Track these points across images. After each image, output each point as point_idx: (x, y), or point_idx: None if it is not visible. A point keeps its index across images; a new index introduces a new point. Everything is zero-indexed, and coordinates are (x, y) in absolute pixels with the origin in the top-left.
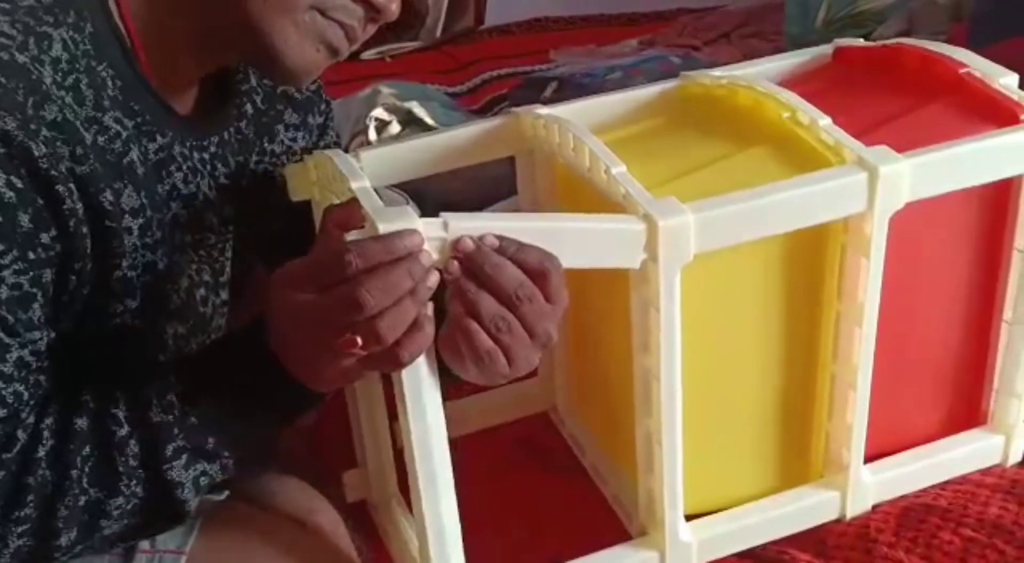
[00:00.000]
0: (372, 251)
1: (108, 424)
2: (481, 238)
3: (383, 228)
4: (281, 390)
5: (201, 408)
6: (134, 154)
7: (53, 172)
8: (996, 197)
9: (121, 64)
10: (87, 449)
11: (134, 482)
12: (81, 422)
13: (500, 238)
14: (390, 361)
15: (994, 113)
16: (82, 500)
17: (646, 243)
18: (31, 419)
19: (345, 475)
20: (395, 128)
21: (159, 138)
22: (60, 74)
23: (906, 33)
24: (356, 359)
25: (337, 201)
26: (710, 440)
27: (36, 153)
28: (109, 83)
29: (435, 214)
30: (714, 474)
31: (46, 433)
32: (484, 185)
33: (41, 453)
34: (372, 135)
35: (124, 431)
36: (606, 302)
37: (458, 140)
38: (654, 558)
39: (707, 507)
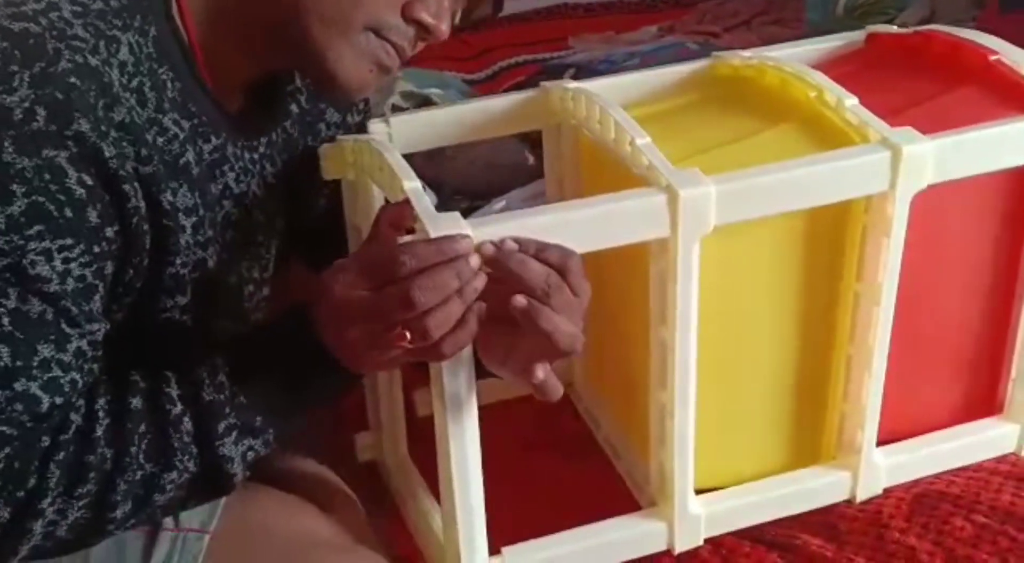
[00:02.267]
0: (424, 253)
1: (162, 402)
2: (501, 242)
3: (434, 233)
4: (325, 372)
5: (250, 388)
6: (190, 155)
7: (121, 172)
8: (1018, 182)
9: (181, 67)
10: (143, 427)
11: (187, 457)
12: (136, 401)
13: (518, 240)
14: (434, 354)
15: (1022, 99)
16: (138, 475)
17: (667, 213)
18: (81, 401)
19: (357, 437)
20: None
21: (213, 139)
22: (126, 77)
23: (928, 20)
24: (402, 351)
25: (377, 190)
26: (723, 415)
27: (106, 153)
28: (169, 85)
29: (452, 199)
30: (726, 450)
31: (101, 413)
32: (500, 173)
33: (99, 432)
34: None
35: (178, 409)
36: (623, 275)
37: (488, 111)
38: (662, 529)
39: (718, 483)
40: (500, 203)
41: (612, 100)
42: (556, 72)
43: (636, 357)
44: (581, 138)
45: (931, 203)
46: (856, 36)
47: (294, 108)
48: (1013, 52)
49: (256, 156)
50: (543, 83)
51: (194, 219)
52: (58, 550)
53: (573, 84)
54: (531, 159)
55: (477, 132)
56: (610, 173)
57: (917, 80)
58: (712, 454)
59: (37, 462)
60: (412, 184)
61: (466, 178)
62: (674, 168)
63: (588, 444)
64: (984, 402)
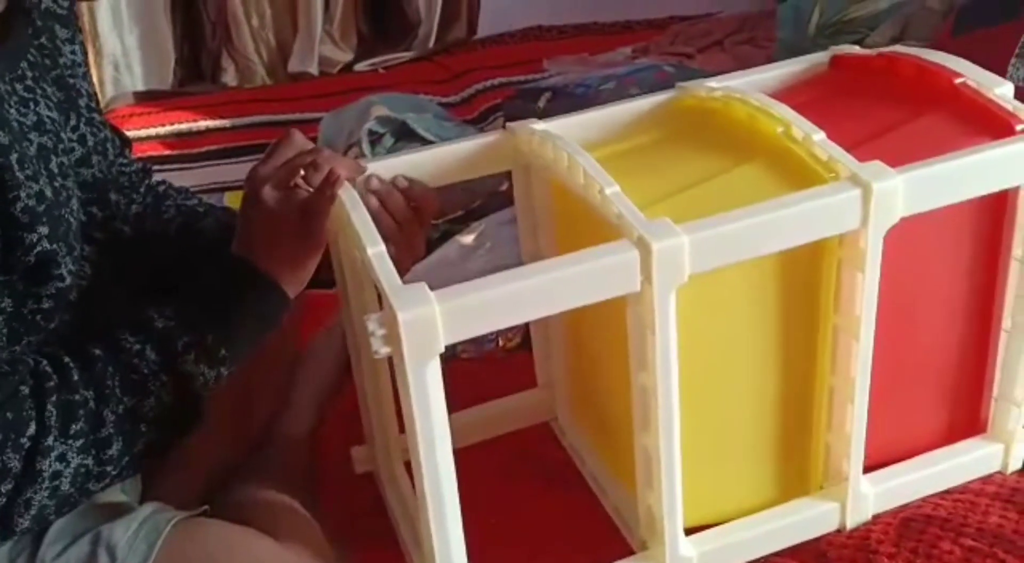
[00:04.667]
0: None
1: (120, 343)
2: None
3: (398, 306)
4: (258, 284)
5: (195, 311)
6: None
7: None
8: (994, 206)
9: None
10: (110, 367)
11: (158, 383)
12: (96, 350)
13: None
14: (319, 197)
15: (989, 124)
16: (120, 408)
17: (640, 266)
18: (45, 361)
19: (353, 450)
20: (389, 141)
21: None
22: None
23: (899, 39)
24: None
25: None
26: (709, 454)
27: None
28: None
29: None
30: (714, 487)
31: (70, 364)
32: (477, 197)
33: (76, 376)
34: (366, 148)
35: (137, 344)
36: (603, 319)
37: (455, 155)
38: None
39: (708, 520)
40: (479, 229)
41: (579, 139)
42: (532, 95)
43: (618, 398)
44: (550, 177)
45: (906, 230)
46: (821, 58)
47: (39, 22)
48: (978, 74)
49: (29, 83)
50: (509, 125)
51: (15, 155)
52: (63, 509)
53: (540, 125)
54: (506, 184)
55: (445, 177)
56: (583, 213)
57: (884, 106)
58: (700, 492)
59: (30, 409)
60: (375, 249)
61: (443, 203)
62: (645, 219)
63: (575, 480)
64: (968, 422)
